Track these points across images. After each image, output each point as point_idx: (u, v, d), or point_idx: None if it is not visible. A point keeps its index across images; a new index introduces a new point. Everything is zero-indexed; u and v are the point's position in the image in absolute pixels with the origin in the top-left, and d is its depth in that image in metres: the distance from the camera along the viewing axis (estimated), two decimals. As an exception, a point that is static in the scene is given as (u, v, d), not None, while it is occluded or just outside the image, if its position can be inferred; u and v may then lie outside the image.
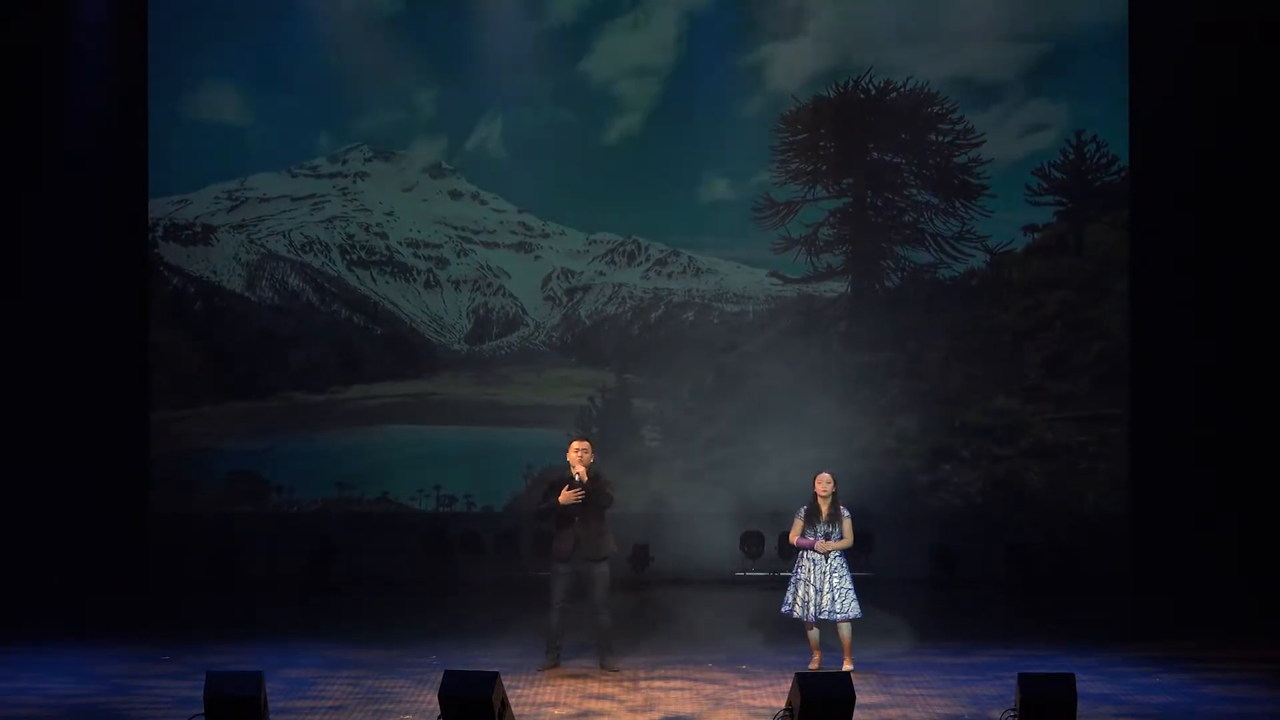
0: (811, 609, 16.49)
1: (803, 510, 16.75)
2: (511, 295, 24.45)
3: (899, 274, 23.98)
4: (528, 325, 24.38)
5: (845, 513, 16.65)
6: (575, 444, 16.67)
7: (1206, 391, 22.62)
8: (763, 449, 23.60)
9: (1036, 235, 23.89)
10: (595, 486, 16.51)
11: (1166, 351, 23.02)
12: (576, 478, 16.45)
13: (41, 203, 22.20)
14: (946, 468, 23.68)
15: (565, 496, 16.40)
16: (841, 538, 16.57)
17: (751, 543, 23.07)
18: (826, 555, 16.53)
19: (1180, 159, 22.74)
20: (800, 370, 23.77)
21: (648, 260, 24.39)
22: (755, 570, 22.96)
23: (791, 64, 23.85)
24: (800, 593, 16.58)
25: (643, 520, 22.92)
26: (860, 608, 16.56)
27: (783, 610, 16.80)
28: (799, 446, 23.39)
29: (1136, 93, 23.31)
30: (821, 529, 16.59)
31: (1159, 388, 23.10)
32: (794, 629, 17.01)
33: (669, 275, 24.34)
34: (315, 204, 24.30)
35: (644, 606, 20.20)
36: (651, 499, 23.61)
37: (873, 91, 23.83)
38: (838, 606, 16.46)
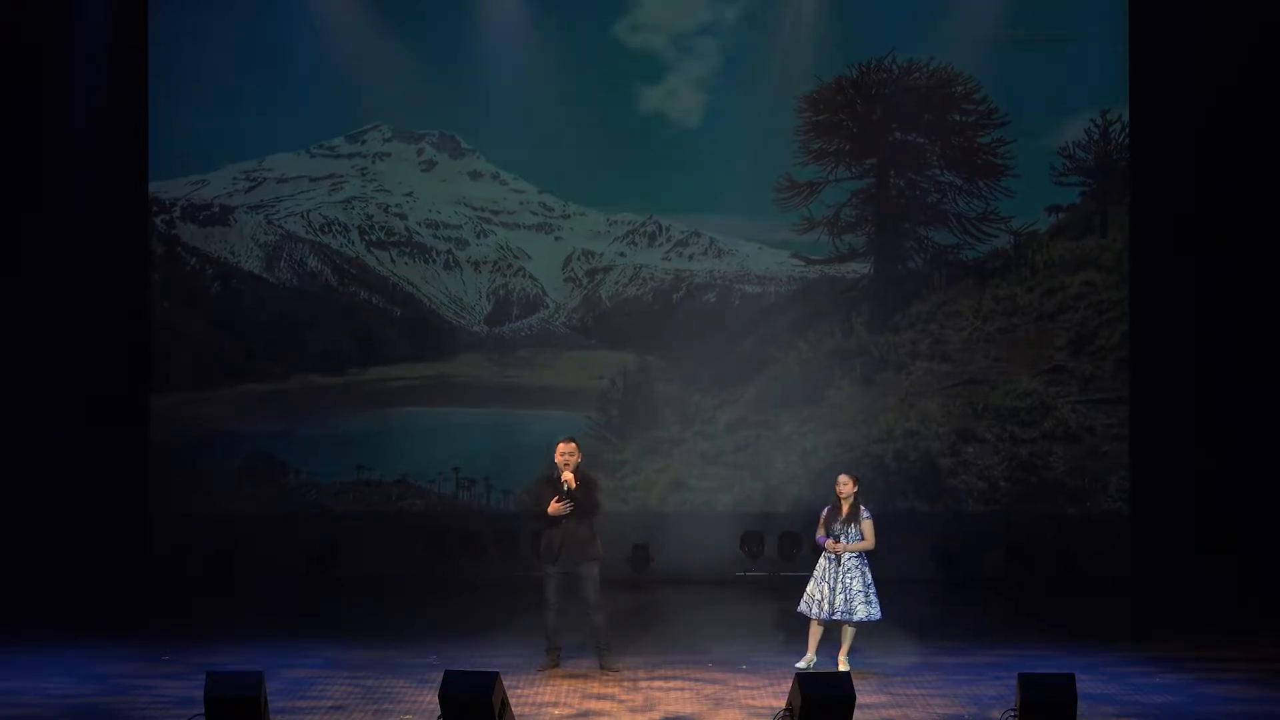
0: (826, 607, 16.47)
1: (825, 510, 16.76)
2: (531, 276, 24.35)
3: (922, 255, 23.80)
4: (548, 307, 24.28)
5: (866, 514, 16.58)
6: (561, 446, 16.64)
7: (1207, 391, 22.46)
8: (784, 431, 23.57)
9: (1060, 216, 23.68)
10: (583, 494, 16.46)
11: (1166, 352, 22.85)
12: (565, 487, 16.40)
13: (41, 191, 22.26)
14: (969, 450, 23.51)
15: (554, 509, 16.36)
16: (861, 539, 16.49)
17: (751, 543, 22.97)
18: (840, 556, 16.45)
19: (1182, 151, 22.62)
20: (822, 352, 23.75)
21: (669, 241, 24.25)
22: (755, 570, 22.85)
23: (813, 43, 23.61)
24: (815, 591, 16.57)
25: (643, 520, 22.91)
26: (872, 612, 16.49)
27: (799, 609, 16.76)
28: (821, 429, 23.49)
29: (1137, 81, 23.17)
30: (838, 530, 16.52)
31: (1159, 388, 22.93)
32: (792, 629, 16.96)
33: (690, 256, 24.20)
34: (334, 184, 24.22)
35: (644, 606, 20.15)
36: (672, 481, 23.55)
37: (895, 71, 23.61)
38: (847, 607, 16.39)
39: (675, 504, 23.54)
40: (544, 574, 16.66)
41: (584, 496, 16.46)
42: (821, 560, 16.60)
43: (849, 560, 16.50)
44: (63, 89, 22.28)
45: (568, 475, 16.46)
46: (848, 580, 16.45)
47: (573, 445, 16.66)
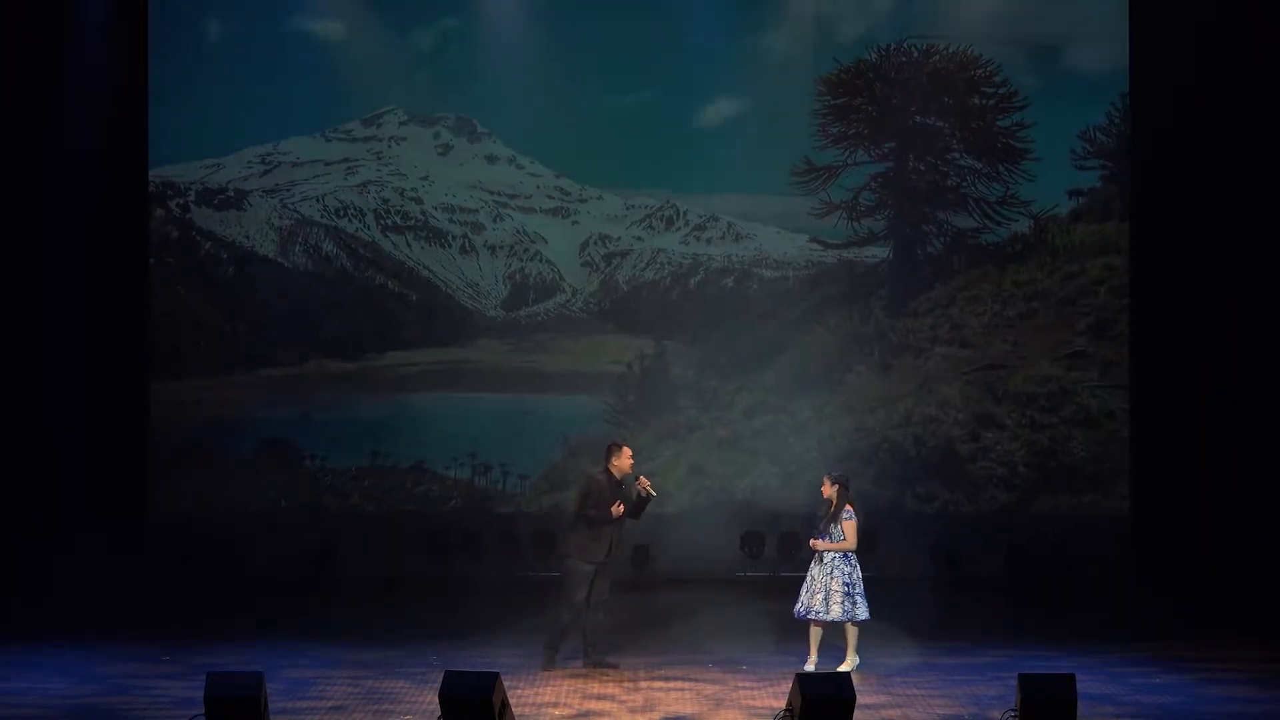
0: (801, 608, 16.53)
1: (819, 510, 16.72)
2: (548, 261, 24.25)
3: (941, 239, 23.68)
4: (565, 291, 24.19)
5: (848, 515, 16.53)
6: (628, 451, 16.76)
7: (1205, 390, 22.33)
8: (802, 417, 23.48)
9: (1081, 200, 23.53)
10: (641, 496, 16.64)
11: (1166, 352, 22.69)
12: (642, 493, 16.55)
13: (41, 189, 22.21)
14: (989, 436, 23.36)
15: (618, 511, 16.46)
16: (844, 538, 16.38)
17: (752, 543, 22.84)
18: (824, 555, 16.43)
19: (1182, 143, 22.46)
20: (841, 337, 23.69)
21: (686, 225, 24.14)
22: (755, 570, 22.72)
23: (833, 26, 23.50)
24: (802, 590, 16.57)
25: (643, 520, 22.75)
26: (852, 611, 16.40)
27: (794, 609, 16.75)
28: (839, 414, 23.41)
29: (1138, 70, 23.02)
30: (822, 529, 16.55)
31: (1159, 388, 22.80)
32: (792, 629, 16.93)
33: (708, 241, 24.09)
34: (349, 168, 24.13)
35: (644, 606, 20.08)
36: (690, 467, 23.46)
37: (915, 54, 23.45)
38: (824, 607, 16.37)
39: (692, 489, 23.45)
40: (579, 574, 16.51)
41: (641, 501, 16.66)
42: (812, 560, 16.63)
43: (830, 560, 16.46)
44: (63, 89, 22.18)
45: (645, 481, 16.61)
46: (827, 580, 16.43)
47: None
